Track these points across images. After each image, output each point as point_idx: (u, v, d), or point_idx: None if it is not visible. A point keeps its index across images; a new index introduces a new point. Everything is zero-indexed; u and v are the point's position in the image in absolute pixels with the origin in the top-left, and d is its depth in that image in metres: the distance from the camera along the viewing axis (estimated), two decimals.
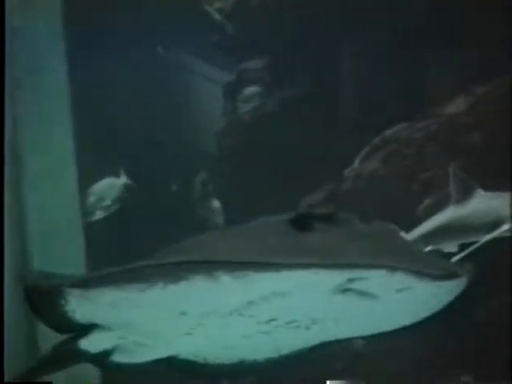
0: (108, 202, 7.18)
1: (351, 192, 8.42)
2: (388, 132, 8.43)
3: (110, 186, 7.24)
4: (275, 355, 3.25)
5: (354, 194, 8.35)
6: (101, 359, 3.05)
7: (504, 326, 6.56)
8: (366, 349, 7.33)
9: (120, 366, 3.09)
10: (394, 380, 7.19)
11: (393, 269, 2.44)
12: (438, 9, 8.61)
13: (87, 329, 2.94)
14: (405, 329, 3.00)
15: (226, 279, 2.45)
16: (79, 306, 2.77)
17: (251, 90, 10.15)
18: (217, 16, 10.40)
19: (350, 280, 2.49)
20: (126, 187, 7.42)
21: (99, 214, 7.20)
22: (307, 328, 2.85)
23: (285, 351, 3.23)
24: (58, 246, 7.61)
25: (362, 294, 2.56)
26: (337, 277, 2.48)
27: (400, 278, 2.46)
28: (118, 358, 3.07)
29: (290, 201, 8.94)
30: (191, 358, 3.22)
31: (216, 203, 10.43)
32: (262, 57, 10.46)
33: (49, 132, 7.64)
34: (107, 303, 2.69)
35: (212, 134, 10.60)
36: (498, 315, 6.88)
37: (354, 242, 2.59)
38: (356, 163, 8.54)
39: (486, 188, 6.25)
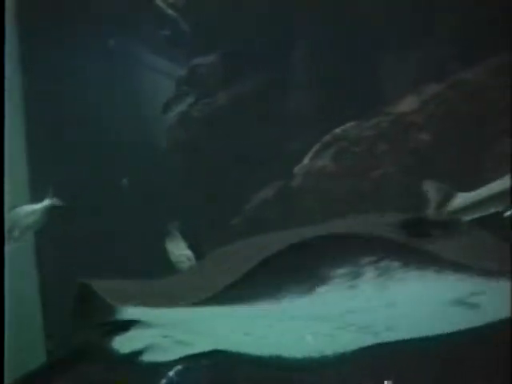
0: (16, 234, 6.84)
1: (300, 189, 8.38)
2: (338, 130, 8.41)
3: (18, 217, 6.92)
4: (316, 355, 2.97)
5: (303, 191, 8.32)
6: (130, 359, 2.77)
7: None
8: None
9: (149, 366, 2.83)
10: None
11: None
12: (391, 7, 8.64)
13: (126, 325, 2.62)
14: None
15: (369, 291, 2.30)
16: None
17: (178, 94, 10.09)
18: (169, 11, 10.34)
19: (475, 294, 2.36)
20: (49, 209, 7.18)
21: (7, 244, 6.86)
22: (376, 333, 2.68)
23: (329, 352, 2.95)
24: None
25: (475, 306, 2.44)
26: (466, 288, 2.33)
27: None
28: (149, 356, 2.80)
29: (239, 196, 8.93)
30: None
31: (168, 202, 10.27)
32: (215, 52, 10.39)
33: None
34: None
35: (164, 129, 10.51)
36: None
37: (478, 253, 2.40)
38: (306, 160, 8.49)
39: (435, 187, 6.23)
